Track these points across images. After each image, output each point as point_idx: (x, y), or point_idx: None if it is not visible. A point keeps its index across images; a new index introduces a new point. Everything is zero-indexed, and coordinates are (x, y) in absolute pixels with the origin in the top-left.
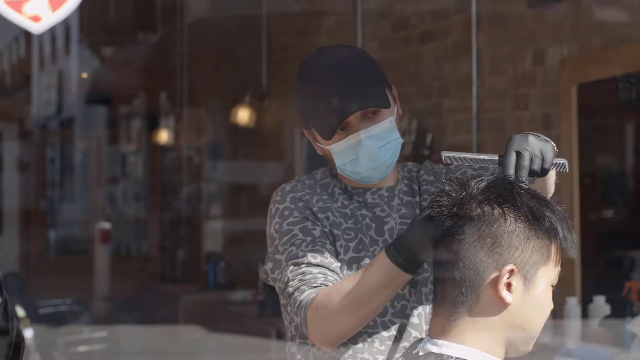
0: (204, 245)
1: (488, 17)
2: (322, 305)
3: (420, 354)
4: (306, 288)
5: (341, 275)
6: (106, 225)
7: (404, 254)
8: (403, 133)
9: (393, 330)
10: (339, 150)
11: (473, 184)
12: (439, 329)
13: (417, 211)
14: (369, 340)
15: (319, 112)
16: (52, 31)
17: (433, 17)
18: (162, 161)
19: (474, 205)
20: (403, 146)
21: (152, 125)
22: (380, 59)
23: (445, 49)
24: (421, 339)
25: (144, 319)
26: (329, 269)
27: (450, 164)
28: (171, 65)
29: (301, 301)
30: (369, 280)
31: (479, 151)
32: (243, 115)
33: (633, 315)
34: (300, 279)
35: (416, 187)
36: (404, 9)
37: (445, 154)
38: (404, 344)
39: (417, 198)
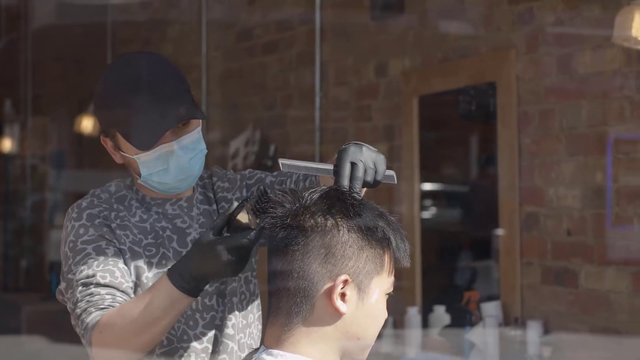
0: (47, 255)
1: (332, 28)
2: (106, 328)
3: None
4: (93, 310)
5: (132, 295)
6: None
7: (188, 279)
8: (246, 143)
9: (206, 342)
10: (148, 160)
11: (307, 195)
12: (274, 339)
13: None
14: (185, 354)
15: (133, 123)
16: None
17: (277, 27)
18: (5, 169)
19: (308, 216)
20: (246, 156)
21: None
22: (224, 68)
23: (290, 59)
24: (256, 349)
25: None
26: (118, 289)
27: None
28: (15, 73)
29: (87, 323)
30: (152, 304)
31: (321, 162)
32: (87, 123)
33: (472, 324)
34: (88, 300)
35: (211, 195)
36: (249, 19)
37: (282, 161)
38: (222, 356)
39: (214, 206)
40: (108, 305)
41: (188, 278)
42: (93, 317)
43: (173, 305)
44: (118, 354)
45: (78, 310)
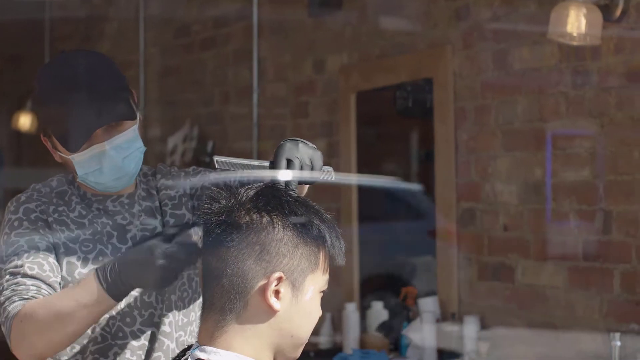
0: None
1: (269, 24)
2: (26, 318)
3: None
4: (17, 299)
5: (59, 290)
6: None
7: (114, 279)
8: (184, 139)
9: (143, 340)
10: (82, 160)
11: (242, 191)
12: (207, 335)
13: (158, 217)
14: (120, 352)
15: (63, 124)
16: None
17: (215, 23)
18: None
19: (243, 213)
20: (184, 153)
21: None
22: (162, 65)
23: (227, 55)
24: (190, 346)
25: None
26: (44, 282)
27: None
28: None
29: (10, 311)
30: (75, 299)
31: (259, 159)
32: (25, 121)
33: (409, 320)
34: (13, 289)
35: (154, 192)
36: (186, 15)
37: (217, 158)
38: (158, 353)
39: (157, 203)
40: (32, 296)
41: (114, 278)
42: (15, 305)
43: (95, 304)
44: (36, 346)
45: (2, 298)
